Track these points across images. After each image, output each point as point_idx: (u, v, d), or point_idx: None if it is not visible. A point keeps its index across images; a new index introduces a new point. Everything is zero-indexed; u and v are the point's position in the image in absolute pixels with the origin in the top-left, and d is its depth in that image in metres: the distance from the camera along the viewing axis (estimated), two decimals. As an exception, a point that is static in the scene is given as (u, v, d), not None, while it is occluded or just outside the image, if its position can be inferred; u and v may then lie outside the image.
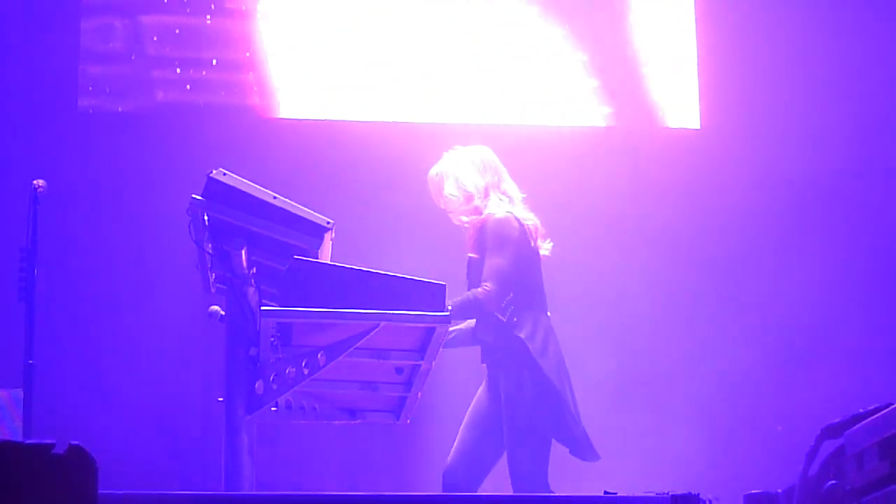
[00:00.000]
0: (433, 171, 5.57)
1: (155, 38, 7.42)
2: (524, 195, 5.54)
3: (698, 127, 7.38)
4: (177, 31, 7.47)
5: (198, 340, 5.94)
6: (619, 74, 7.40)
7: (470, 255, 5.45)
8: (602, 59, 7.40)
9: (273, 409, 4.66)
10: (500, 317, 5.32)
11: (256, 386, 4.47)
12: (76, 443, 2.93)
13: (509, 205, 5.47)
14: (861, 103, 7.28)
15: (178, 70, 7.39)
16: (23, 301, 5.35)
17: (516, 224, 5.41)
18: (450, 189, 5.51)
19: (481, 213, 5.46)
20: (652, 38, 7.45)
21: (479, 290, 5.32)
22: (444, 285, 4.49)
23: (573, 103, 7.39)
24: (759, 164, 7.21)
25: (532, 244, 5.44)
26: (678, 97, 7.43)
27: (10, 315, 5.72)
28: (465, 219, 5.49)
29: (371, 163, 7.06)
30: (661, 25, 7.48)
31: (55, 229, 6.05)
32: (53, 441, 2.92)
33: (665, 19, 7.50)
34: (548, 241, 5.51)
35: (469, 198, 5.48)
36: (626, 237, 7.06)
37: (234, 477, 4.50)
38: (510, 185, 5.55)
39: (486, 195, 5.48)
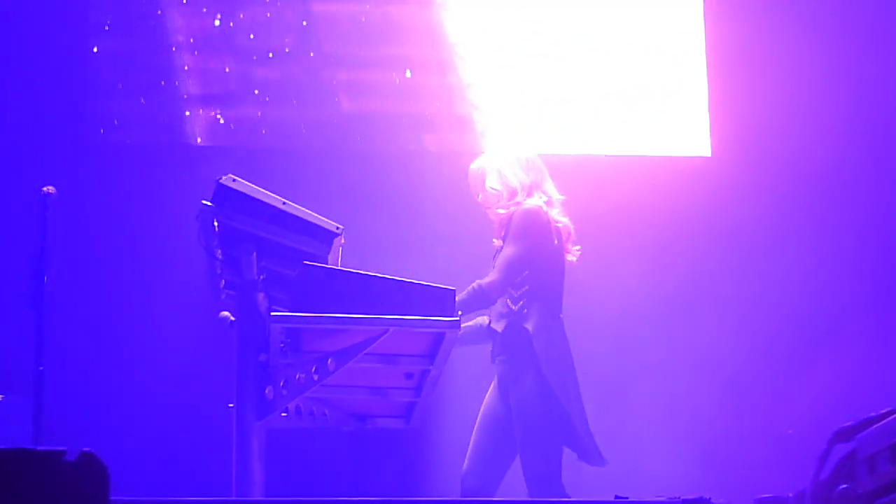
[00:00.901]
0: (475, 165, 5.56)
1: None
2: (563, 197, 5.53)
3: (709, 155, 7.37)
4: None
5: (208, 346, 5.94)
6: (629, 103, 7.37)
7: (496, 241, 5.46)
8: (613, 88, 7.37)
9: (283, 414, 4.66)
10: (512, 306, 5.33)
11: (266, 391, 4.47)
12: (88, 449, 2.93)
13: (547, 205, 5.45)
14: (873, 131, 7.29)
15: (186, 106, 7.08)
16: (33, 307, 5.35)
17: (543, 218, 5.40)
18: (492, 183, 5.49)
19: (504, 206, 5.45)
20: (662, 66, 7.42)
21: (485, 279, 5.33)
22: (454, 290, 4.48)
23: (585, 132, 7.35)
24: (770, 191, 7.23)
25: (556, 243, 5.42)
26: (689, 125, 7.39)
27: (20, 321, 5.72)
28: (501, 212, 5.46)
29: (377, 173, 7.06)
30: (672, 53, 7.44)
31: (65, 235, 6.06)
32: (65, 448, 2.92)
33: (675, 46, 7.45)
34: (576, 246, 5.49)
35: (512, 193, 5.47)
36: (636, 253, 7.06)
37: (244, 483, 4.50)
38: (550, 186, 5.54)
39: (530, 193, 5.47)
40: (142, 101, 6.89)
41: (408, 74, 6.98)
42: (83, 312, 6.81)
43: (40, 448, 2.95)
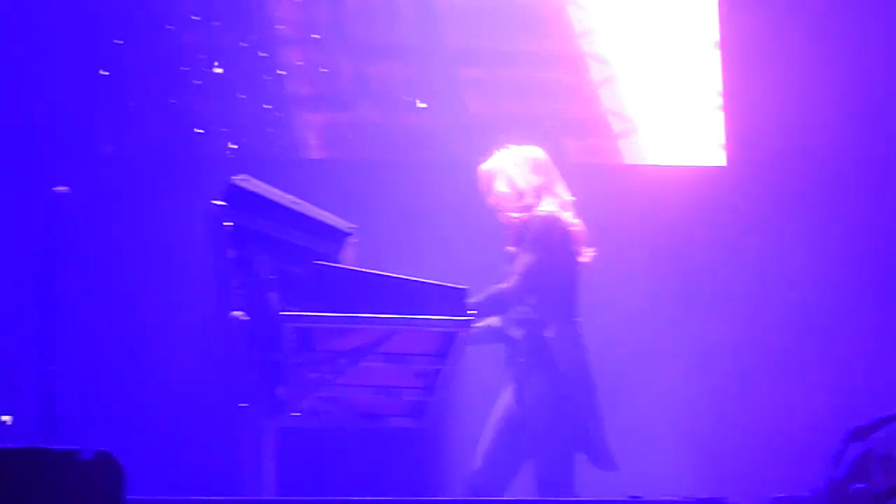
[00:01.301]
0: (484, 167, 5.52)
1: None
2: (574, 198, 5.50)
3: (724, 164, 7.35)
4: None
5: (219, 346, 5.95)
6: (642, 112, 7.30)
7: (511, 249, 5.44)
8: (627, 96, 7.30)
9: (295, 414, 4.66)
10: (529, 312, 5.32)
11: (278, 391, 4.47)
12: (102, 449, 2.93)
13: (559, 207, 5.46)
14: (892, 138, 7.28)
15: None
16: (43, 307, 5.35)
17: (559, 224, 5.39)
18: (501, 186, 5.47)
19: (530, 212, 5.41)
20: (677, 74, 7.34)
21: (504, 284, 5.32)
22: (466, 289, 4.48)
23: (600, 141, 7.29)
24: (785, 200, 7.22)
25: (572, 248, 5.41)
26: (703, 135, 7.34)
27: (31, 321, 5.73)
28: (513, 215, 5.46)
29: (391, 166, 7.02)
30: (686, 60, 7.36)
31: (79, 235, 6.06)
32: (79, 447, 2.92)
33: (690, 53, 7.37)
34: (589, 249, 5.47)
35: (520, 195, 5.44)
36: (650, 261, 7.06)
37: (256, 481, 4.51)
38: (561, 188, 5.52)
39: (538, 195, 5.45)
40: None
41: (418, 105, 6.36)
42: (93, 312, 6.81)
43: (55, 447, 2.95)
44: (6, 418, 5.89)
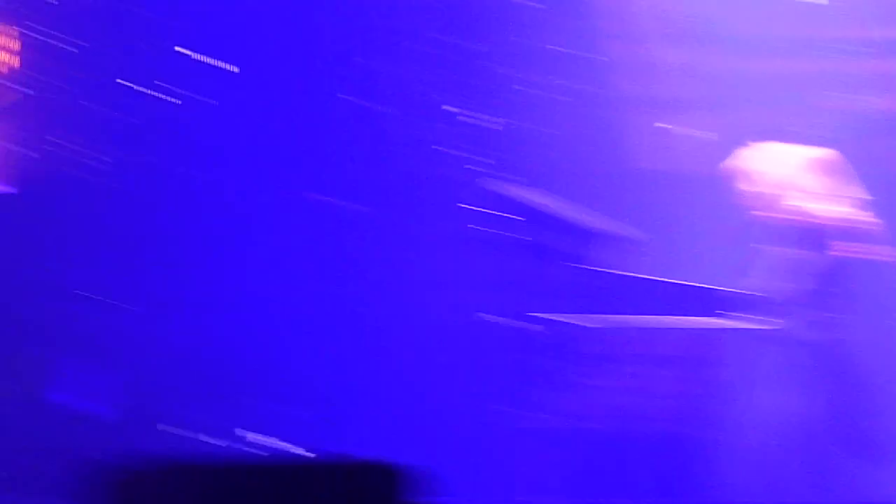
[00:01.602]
0: (737, 162, 5.39)
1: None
2: (869, 197, 5.32)
3: None
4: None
5: (475, 348, 6.01)
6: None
7: (774, 248, 5.31)
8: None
9: (548, 416, 4.64)
10: (805, 311, 5.19)
11: (530, 393, 4.51)
12: (376, 459, 2.91)
13: (830, 205, 5.30)
14: None
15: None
16: (291, 313, 5.46)
17: (826, 222, 5.25)
18: (755, 181, 5.33)
19: (800, 210, 5.29)
20: None
21: (776, 283, 5.19)
22: (732, 292, 4.40)
23: None
24: None
25: (846, 245, 5.27)
26: None
27: (276, 327, 5.85)
28: (777, 214, 5.32)
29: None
30: None
31: (330, 242, 6.15)
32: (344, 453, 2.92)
33: None
34: (878, 245, 5.31)
35: (777, 190, 5.29)
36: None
37: (514, 485, 4.54)
38: (843, 186, 5.36)
39: (797, 190, 5.30)
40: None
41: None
42: (342, 315, 6.93)
43: (324, 458, 2.95)
44: (249, 434, 6.06)
